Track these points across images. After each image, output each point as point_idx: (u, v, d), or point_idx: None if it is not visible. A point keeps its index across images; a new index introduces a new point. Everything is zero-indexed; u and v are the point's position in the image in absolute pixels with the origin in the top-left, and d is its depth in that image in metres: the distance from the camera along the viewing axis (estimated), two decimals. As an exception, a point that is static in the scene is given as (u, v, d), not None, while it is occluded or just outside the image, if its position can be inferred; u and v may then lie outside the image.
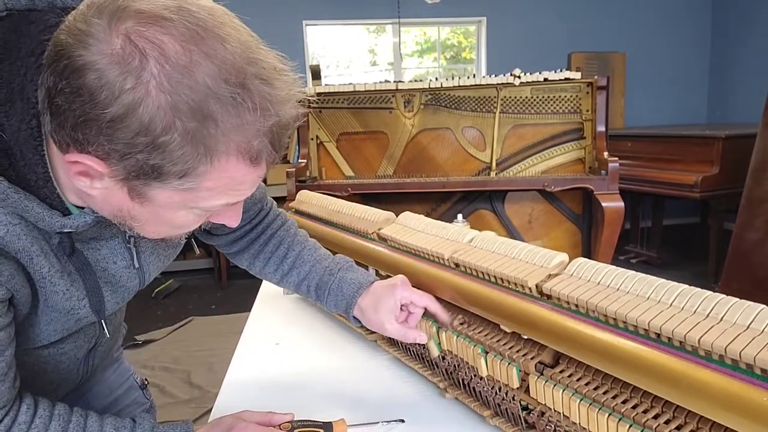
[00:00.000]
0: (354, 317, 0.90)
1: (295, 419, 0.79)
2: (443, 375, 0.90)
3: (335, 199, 1.30)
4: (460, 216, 1.80)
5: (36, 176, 0.56)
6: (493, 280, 0.78)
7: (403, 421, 0.83)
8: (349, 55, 5.18)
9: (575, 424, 0.64)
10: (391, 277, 1.03)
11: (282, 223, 0.99)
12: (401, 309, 0.86)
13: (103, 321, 0.75)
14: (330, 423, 0.79)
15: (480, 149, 2.39)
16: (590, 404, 0.62)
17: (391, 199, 2.34)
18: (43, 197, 0.57)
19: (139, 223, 0.58)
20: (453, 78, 2.43)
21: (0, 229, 0.55)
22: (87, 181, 0.53)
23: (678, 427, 0.55)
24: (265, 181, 4.32)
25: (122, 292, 0.73)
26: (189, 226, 0.61)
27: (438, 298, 0.89)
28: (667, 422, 0.56)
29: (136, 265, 0.72)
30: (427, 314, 0.90)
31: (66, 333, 0.70)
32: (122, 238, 0.69)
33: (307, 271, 0.94)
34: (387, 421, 0.83)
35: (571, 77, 2.22)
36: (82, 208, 0.60)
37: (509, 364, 0.73)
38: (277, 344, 1.15)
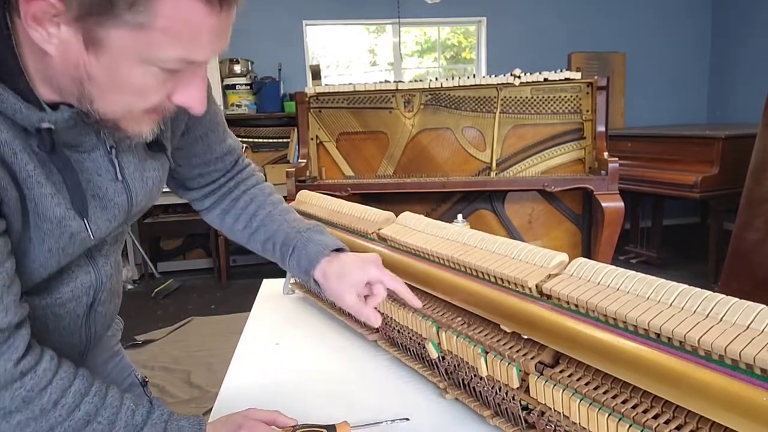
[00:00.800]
0: (315, 280, 0.85)
1: (298, 424, 0.79)
2: (443, 375, 0.90)
3: (335, 199, 1.30)
4: (460, 216, 1.80)
5: (8, 69, 0.56)
6: (493, 280, 0.79)
7: (407, 419, 0.83)
8: (349, 55, 5.18)
9: (575, 424, 0.64)
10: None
11: (257, 182, 0.98)
12: (366, 285, 0.83)
13: (96, 259, 0.74)
14: (333, 426, 0.79)
15: (480, 149, 2.39)
16: (590, 404, 0.62)
17: (391, 199, 2.35)
18: (18, 92, 0.56)
19: (99, 90, 0.56)
20: (453, 78, 2.43)
21: None
22: (43, 32, 0.53)
23: (678, 427, 0.55)
24: (265, 180, 4.35)
25: (112, 208, 0.71)
26: (149, 90, 0.58)
27: (438, 299, 0.89)
28: (667, 422, 0.56)
29: (120, 178, 0.70)
30: (427, 315, 0.90)
31: (62, 258, 0.67)
32: (104, 150, 0.68)
33: (275, 229, 0.91)
34: (391, 420, 0.83)
35: (571, 77, 2.22)
36: (55, 107, 0.60)
37: (509, 364, 0.73)
38: (277, 344, 1.15)
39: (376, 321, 0.82)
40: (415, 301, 0.84)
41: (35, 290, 0.69)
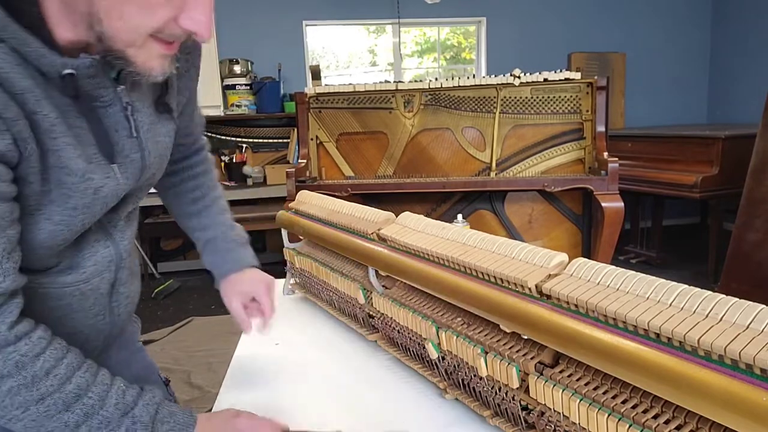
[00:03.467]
0: (219, 282, 0.99)
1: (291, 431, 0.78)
2: (443, 375, 0.90)
3: (335, 199, 1.30)
4: (460, 216, 1.80)
5: (32, 17, 0.57)
6: (493, 280, 0.79)
7: None
8: (349, 55, 5.18)
9: (575, 424, 0.64)
10: (390, 277, 1.03)
11: (205, 170, 1.03)
12: (252, 300, 0.96)
13: (112, 234, 0.75)
14: None
15: (480, 149, 2.39)
16: (590, 404, 0.62)
17: (391, 200, 2.34)
18: (41, 39, 0.57)
19: (107, 5, 0.56)
20: (453, 78, 2.43)
21: (4, 66, 0.55)
22: None
23: (678, 427, 0.55)
24: (265, 180, 4.33)
25: (128, 165, 0.71)
26: (156, 4, 0.58)
27: (438, 299, 0.89)
28: (666, 422, 0.56)
29: (135, 134, 0.71)
30: (427, 315, 0.90)
31: (86, 218, 0.68)
32: (120, 106, 0.68)
33: (207, 224, 1.00)
34: None
35: (571, 77, 2.22)
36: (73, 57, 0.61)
37: (509, 364, 0.73)
38: (277, 344, 1.15)
39: (247, 328, 0.95)
40: (251, 328, 0.96)
41: (63, 268, 0.70)
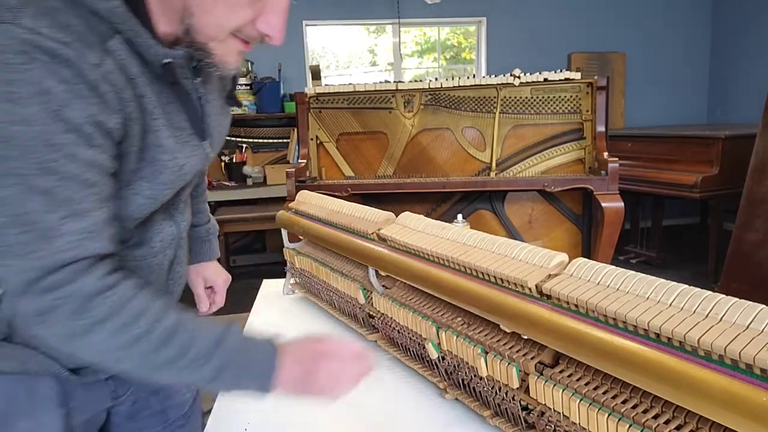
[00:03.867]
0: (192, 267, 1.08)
1: None
2: (443, 375, 0.90)
3: (335, 199, 1.30)
4: (460, 216, 1.80)
5: (141, 11, 0.65)
6: (493, 280, 0.79)
7: None
8: (349, 55, 5.18)
9: (575, 424, 0.64)
10: (390, 277, 1.03)
11: (203, 201, 1.10)
12: (208, 288, 1.09)
13: (174, 215, 0.83)
14: None
15: (480, 149, 2.39)
16: (590, 404, 0.62)
17: (391, 200, 2.34)
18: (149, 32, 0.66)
19: (198, 5, 0.64)
20: (453, 78, 2.43)
21: (120, 53, 0.63)
22: None
23: (678, 427, 0.55)
24: (265, 180, 4.33)
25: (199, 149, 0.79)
26: (239, 5, 0.66)
27: (438, 299, 0.89)
28: (666, 422, 0.56)
29: (205, 122, 0.79)
30: (427, 315, 0.90)
31: (168, 193, 0.76)
32: (195, 96, 0.76)
33: (193, 211, 1.06)
34: None
35: (571, 77, 2.22)
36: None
37: (509, 364, 0.73)
38: (277, 344, 1.15)
39: (204, 308, 1.07)
40: (207, 309, 1.08)
41: (136, 242, 0.77)
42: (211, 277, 1.09)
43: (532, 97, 2.32)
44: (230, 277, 1.12)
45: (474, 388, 0.82)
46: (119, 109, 0.63)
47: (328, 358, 0.73)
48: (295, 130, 4.12)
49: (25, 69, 0.56)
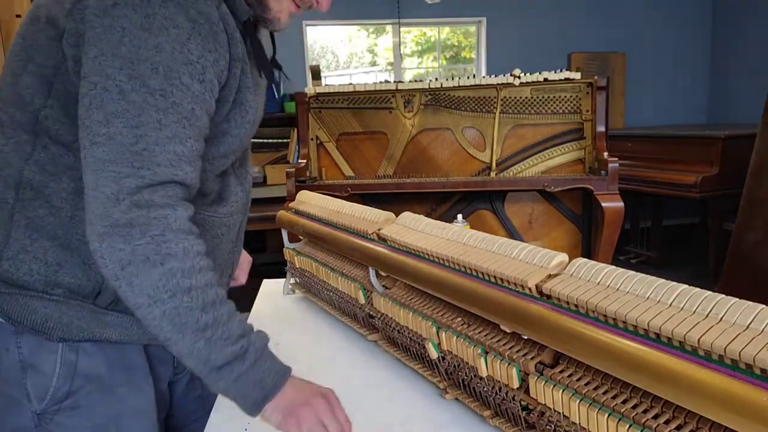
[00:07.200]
0: None
1: None
2: (443, 375, 0.90)
3: (335, 199, 1.30)
4: (460, 216, 1.80)
5: None
6: (493, 280, 0.79)
7: None
8: (349, 55, 5.18)
9: (575, 424, 0.64)
10: (390, 277, 1.03)
11: None
12: None
13: (242, 180, 0.89)
14: None
15: (480, 149, 2.39)
16: (590, 404, 0.62)
17: (391, 200, 2.34)
18: None
19: None
20: (453, 78, 2.43)
21: (222, 9, 0.71)
22: None
23: (678, 427, 0.55)
24: (265, 180, 4.34)
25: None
26: None
27: (438, 299, 0.89)
28: (666, 422, 0.56)
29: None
30: (427, 315, 0.90)
31: (249, 136, 0.84)
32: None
33: None
34: None
35: (571, 77, 2.22)
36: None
37: (509, 364, 0.73)
38: (277, 344, 1.15)
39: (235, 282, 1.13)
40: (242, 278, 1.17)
41: (216, 198, 0.83)
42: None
43: (532, 97, 2.32)
44: (252, 259, 1.20)
45: (474, 388, 0.82)
46: (229, 50, 0.71)
47: (317, 409, 0.73)
48: (295, 130, 4.12)
49: (162, 5, 0.65)
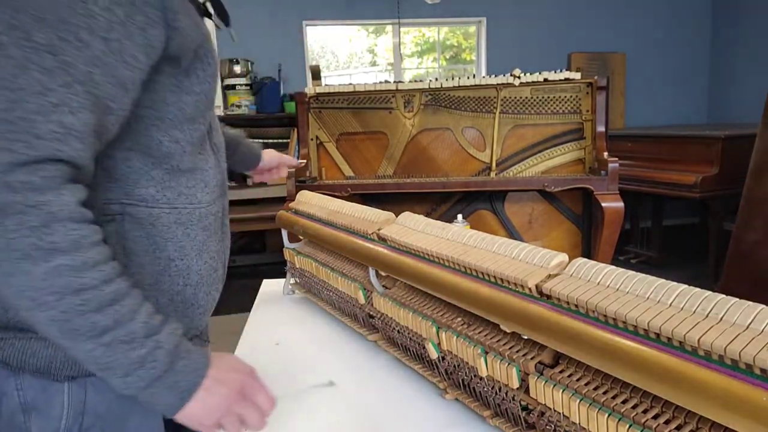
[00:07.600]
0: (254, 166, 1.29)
1: None
2: (443, 375, 0.90)
3: (335, 199, 1.30)
4: (460, 216, 1.80)
5: None
6: (493, 280, 0.79)
7: None
8: (349, 55, 5.18)
9: (575, 424, 0.64)
10: (390, 277, 1.03)
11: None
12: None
13: (216, 154, 0.84)
14: None
15: (480, 149, 2.39)
16: (590, 404, 0.62)
17: (391, 200, 2.34)
18: None
19: None
20: (453, 78, 2.43)
21: None
22: None
23: (678, 427, 0.55)
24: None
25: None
26: None
27: (438, 299, 0.89)
28: (666, 422, 0.56)
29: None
30: (427, 315, 0.90)
31: (213, 93, 0.77)
32: None
33: (230, 136, 1.16)
34: None
35: (571, 77, 2.21)
36: None
37: (509, 364, 0.73)
38: (277, 344, 1.15)
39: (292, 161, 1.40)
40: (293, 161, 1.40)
41: (198, 182, 0.77)
42: (275, 157, 1.32)
43: (532, 97, 2.32)
44: (282, 154, 1.36)
45: (474, 388, 0.82)
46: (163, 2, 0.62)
47: (246, 401, 0.68)
48: (295, 130, 4.12)
49: None
